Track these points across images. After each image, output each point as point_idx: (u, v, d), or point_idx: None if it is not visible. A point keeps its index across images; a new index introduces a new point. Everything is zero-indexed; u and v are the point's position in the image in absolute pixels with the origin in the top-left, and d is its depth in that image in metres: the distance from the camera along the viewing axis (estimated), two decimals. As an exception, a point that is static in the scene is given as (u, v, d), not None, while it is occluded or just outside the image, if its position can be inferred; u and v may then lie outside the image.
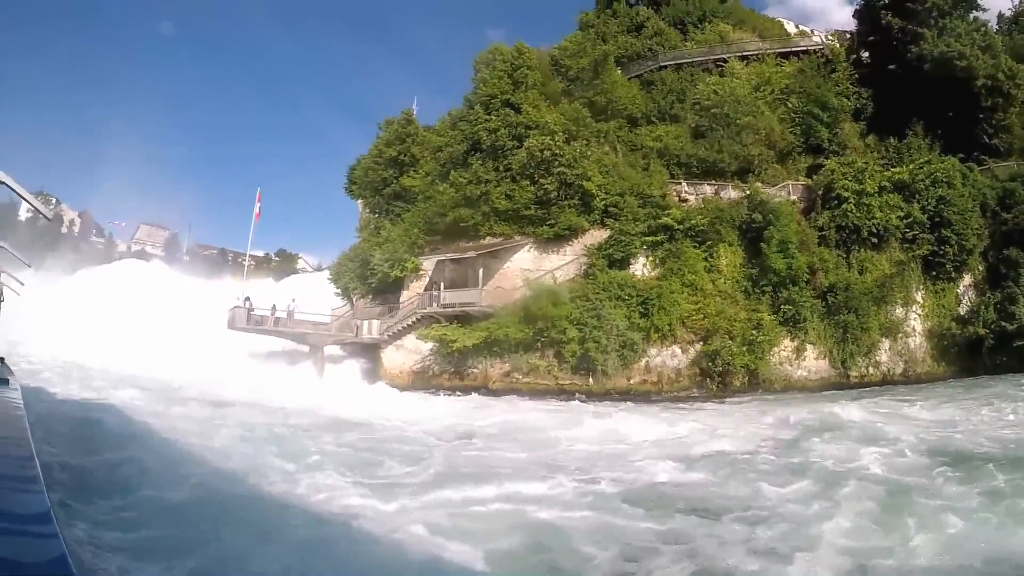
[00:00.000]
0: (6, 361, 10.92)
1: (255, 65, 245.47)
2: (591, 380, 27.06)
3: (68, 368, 24.23)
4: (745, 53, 39.22)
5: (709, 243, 29.81)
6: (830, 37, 43.93)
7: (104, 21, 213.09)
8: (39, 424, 11.42)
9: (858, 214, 31.04)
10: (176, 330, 32.02)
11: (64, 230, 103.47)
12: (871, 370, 30.90)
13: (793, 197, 32.93)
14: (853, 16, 42.39)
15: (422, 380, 28.08)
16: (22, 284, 8.77)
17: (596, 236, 29.46)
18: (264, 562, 6.94)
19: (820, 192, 32.46)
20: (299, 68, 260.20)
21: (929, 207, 31.66)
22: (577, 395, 26.18)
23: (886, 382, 30.36)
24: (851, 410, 18.17)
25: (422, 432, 16.34)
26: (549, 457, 13.44)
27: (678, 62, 37.88)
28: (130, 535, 7.31)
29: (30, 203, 2.98)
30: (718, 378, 27.74)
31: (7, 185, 2.70)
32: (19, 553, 2.33)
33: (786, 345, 29.57)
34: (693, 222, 29.51)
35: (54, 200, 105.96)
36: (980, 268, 32.67)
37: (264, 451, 12.21)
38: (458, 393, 26.44)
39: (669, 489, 10.74)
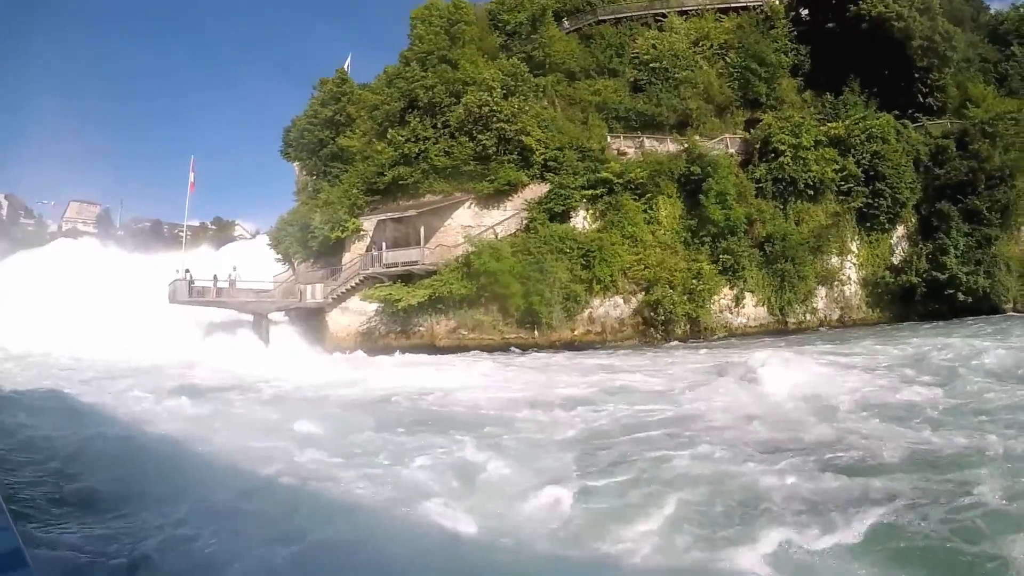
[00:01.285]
0: None
1: (182, 24, 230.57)
2: (536, 333, 27.30)
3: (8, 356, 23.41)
4: (684, 8, 39.22)
5: (648, 195, 30.14)
6: (770, -7, 44.35)
7: None
8: None
9: (795, 167, 31.80)
10: (117, 308, 30.81)
11: None
12: (808, 316, 32.11)
13: (731, 150, 33.49)
14: (794, -28, 42.72)
15: (369, 341, 27.81)
16: None
17: (536, 191, 29.44)
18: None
19: (757, 146, 33.09)
20: (229, 27, 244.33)
21: (864, 161, 32.69)
22: (512, 348, 26.35)
23: (822, 327, 31.72)
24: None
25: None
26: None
27: (617, 16, 37.72)
28: (83, 525, 6.86)
29: None
30: (661, 327, 28.32)
31: None
32: None
33: (726, 294, 30.39)
34: (632, 175, 29.73)
35: None
36: (913, 220, 34.03)
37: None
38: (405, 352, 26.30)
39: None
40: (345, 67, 34.55)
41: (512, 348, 26.36)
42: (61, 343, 26.89)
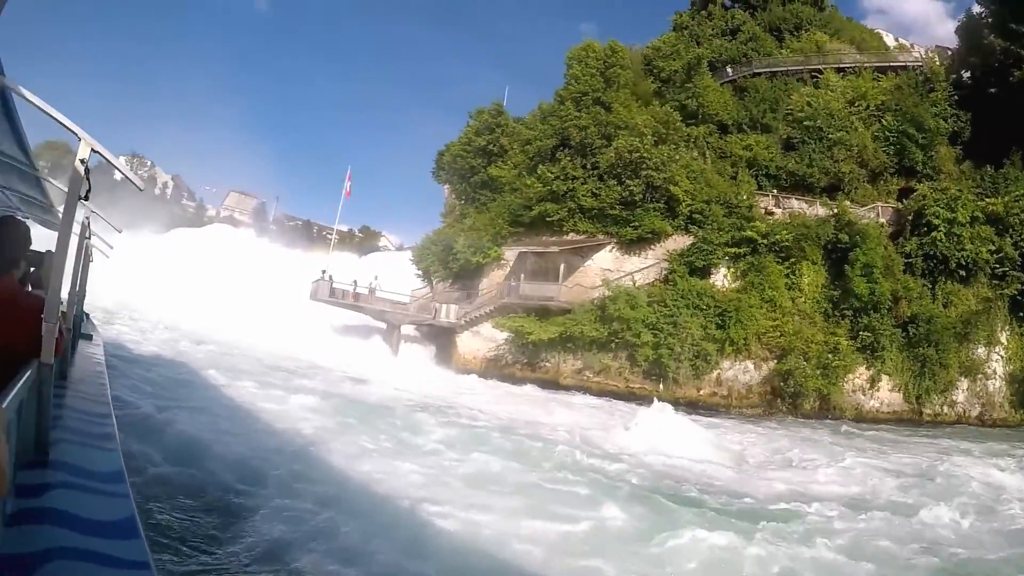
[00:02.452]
0: (91, 317, 11.34)
1: (350, 46, 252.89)
2: (661, 386, 27.13)
3: (159, 326, 25.11)
4: (842, 65, 38.03)
5: (792, 259, 29.37)
6: (930, 53, 42.27)
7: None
8: (122, 379, 12.11)
9: (947, 244, 29.99)
10: (261, 297, 33.17)
11: (157, 192, 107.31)
12: (946, 409, 29.90)
13: (882, 220, 32.04)
14: (955, 32, 40.65)
15: (495, 368, 28.62)
16: (111, 248, 9.05)
17: (679, 242, 29.38)
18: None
19: (910, 217, 31.48)
20: (392, 52, 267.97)
21: (1022, 243, 30.43)
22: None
23: (959, 423, 29.52)
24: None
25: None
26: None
27: (772, 70, 37.05)
28: (199, 497, 7.44)
29: (124, 173, 3.19)
30: (789, 399, 27.45)
31: (103, 156, 2.81)
32: (90, 510, 2.41)
33: (861, 373, 28.96)
34: (778, 237, 29.11)
35: (148, 163, 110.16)
36: (1072, 314, 31.26)
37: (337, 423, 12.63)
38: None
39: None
40: (502, 100, 35.81)
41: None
42: (208, 322, 28.11)
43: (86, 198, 3.02)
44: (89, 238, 6.98)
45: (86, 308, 10.92)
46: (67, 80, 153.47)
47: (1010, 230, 30.68)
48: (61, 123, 2.64)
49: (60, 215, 3.39)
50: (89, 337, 8.80)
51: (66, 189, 3.14)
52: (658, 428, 16.22)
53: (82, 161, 2.83)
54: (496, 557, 6.94)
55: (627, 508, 9.12)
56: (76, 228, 5.61)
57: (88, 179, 2.94)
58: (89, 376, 5.69)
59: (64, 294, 4.88)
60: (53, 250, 3.22)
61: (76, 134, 2.73)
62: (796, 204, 31.45)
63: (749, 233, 29.11)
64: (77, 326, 7.43)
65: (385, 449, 11.04)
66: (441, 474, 9.88)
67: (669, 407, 18.80)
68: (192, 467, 8.29)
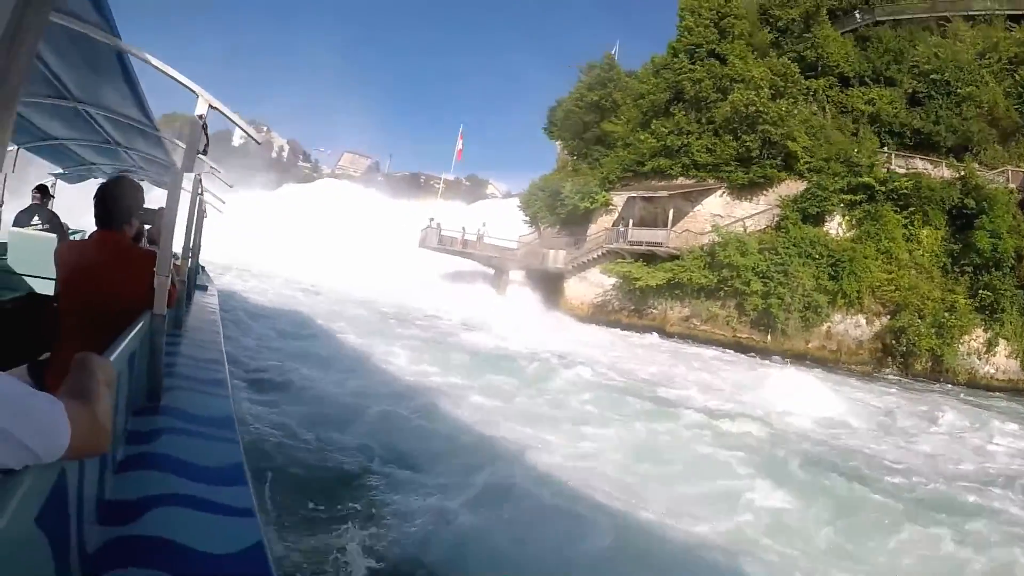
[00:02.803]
0: (206, 270, 11.59)
1: (459, 9, 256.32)
2: (769, 337, 27.44)
3: (275, 279, 25.88)
4: (971, 12, 35.55)
5: (912, 209, 28.41)
6: (1073, 1, 38.76)
7: None
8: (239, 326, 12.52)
9: (1081, 214, 28.33)
10: (371, 246, 34.83)
11: (273, 155, 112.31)
12: (1065, 383, 28.74)
13: (1011, 185, 30.23)
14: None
15: (602, 314, 29.65)
16: (224, 203, 9.45)
17: (792, 187, 29.01)
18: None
19: (1042, 183, 29.77)
20: (502, 9, 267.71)
21: None
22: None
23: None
24: None
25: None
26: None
27: (896, 18, 35.15)
28: (305, 439, 7.11)
29: (242, 128, 3.31)
30: (900, 358, 26.98)
31: (221, 112, 2.92)
32: (198, 456, 2.41)
33: (977, 335, 27.91)
34: (896, 184, 28.17)
35: (265, 128, 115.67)
36: None
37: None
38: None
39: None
40: (614, 53, 35.90)
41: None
42: (320, 273, 28.82)
43: (204, 152, 3.09)
44: (202, 194, 7.09)
45: (207, 261, 11.57)
46: (185, 49, 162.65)
47: None
48: (180, 82, 2.73)
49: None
50: (204, 288, 9.09)
51: (184, 145, 3.19)
52: (794, 388, 15.20)
53: (200, 116, 2.90)
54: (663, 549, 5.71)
55: (798, 491, 7.58)
56: (188, 185, 5.94)
57: (207, 134, 3.02)
58: (203, 325, 5.91)
59: (178, 248, 4.89)
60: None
61: (194, 91, 2.82)
62: (920, 164, 30.19)
63: (866, 179, 28.32)
64: (192, 279, 7.56)
65: (534, 414, 9.97)
66: (595, 446, 8.72)
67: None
68: (317, 424, 7.71)
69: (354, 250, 34.75)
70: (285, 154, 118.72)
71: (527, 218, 35.42)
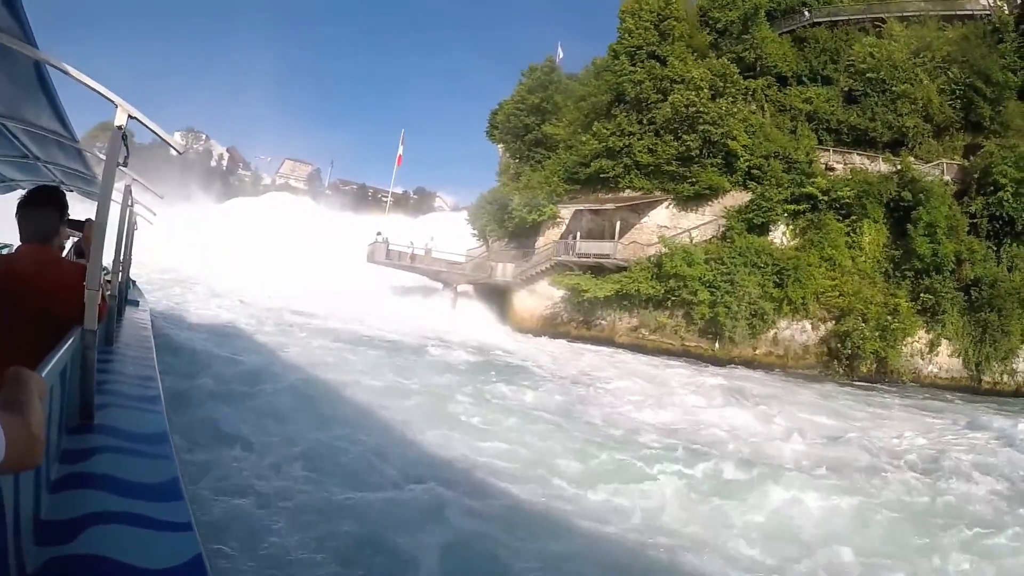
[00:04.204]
0: (137, 284, 11.20)
1: (400, 11, 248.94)
2: (717, 345, 27.13)
3: (222, 294, 24.60)
4: (905, 14, 36.12)
5: (853, 217, 28.74)
6: (999, 1, 39.90)
7: None
8: (170, 343, 11.70)
9: (1015, 204, 28.88)
10: (319, 261, 33.58)
11: (213, 164, 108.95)
12: (1005, 378, 29.14)
13: (947, 177, 30.93)
14: (1027, -23, 38.17)
15: (550, 326, 28.87)
16: (155, 214, 9.03)
17: (737, 198, 28.91)
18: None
19: (976, 175, 30.32)
20: (443, 12, 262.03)
21: (1094, 205, 29.25)
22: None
23: (1019, 394, 28.78)
24: None
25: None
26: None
27: (833, 19, 35.39)
28: (246, 462, 6.97)
29: (162, 137, 3.11)
30: (845, 361, 27.14)
31: (141, 122, 2.78)
32: (133, 473, 2.39)
33: (920, 336, 28.29)
34: (839, 193, 28.41)
35: (203, 136, 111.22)
36: None
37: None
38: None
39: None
40: (555, 56, 35.02)
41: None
42: (269, 287, 28.02)
43: (125, 164, 3.02)
44: (132, 206, 6.86)
45: (140, 275, 11.04)
46: (117, 58, 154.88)
47: (1081, 191, 29.50)
48: (97, 91, 2.64)
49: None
50: (136, 303, 8.86)
51: (104, 157, 3.12)
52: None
53: (119, 127, 2.82)
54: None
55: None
56: (118, 197, 5.68)
57: (127, 145, 2.93)
58: (135, 341, 5.73)
59: (108, 262, 4.81)
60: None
61: (113, 101, 2.72)
62: (858, 159, 30.56)
63: (809, 190, 28.50)
64: (123, 293, 7.43)
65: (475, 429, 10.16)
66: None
67: None
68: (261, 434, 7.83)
69: (304, 264, 33.32)
70: (225, 162, 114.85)
71: (475, 231, 34.40)
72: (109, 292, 4.52)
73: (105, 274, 3.65)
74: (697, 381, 19.36)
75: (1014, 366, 29.09)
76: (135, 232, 8.65)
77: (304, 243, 36.83)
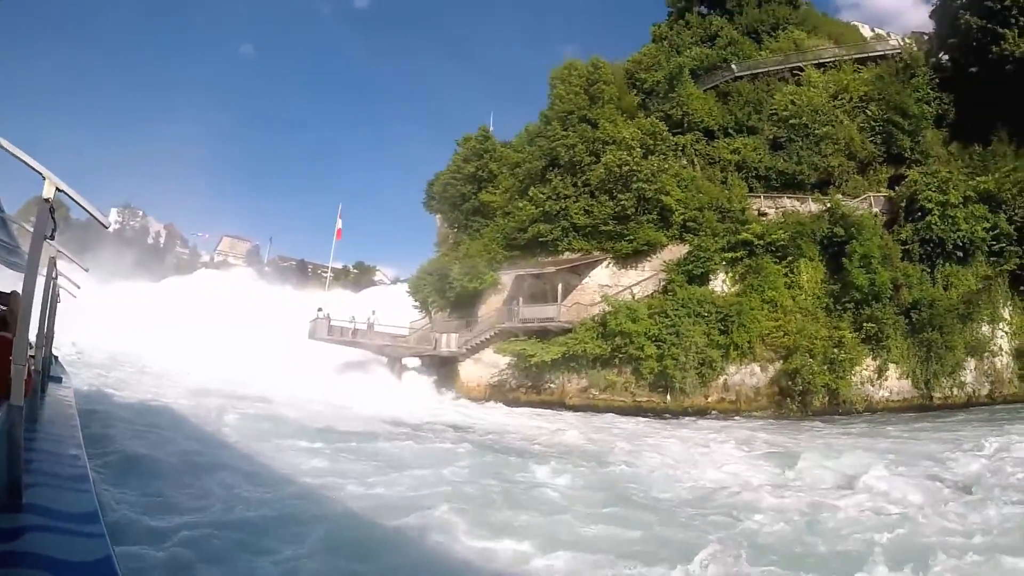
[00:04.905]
0: (59, 359, 11.13)
1: (332, 83, 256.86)
2: (668, 397, 27.16)
3: (148, 372, 24.72)
4: (821, 60, 38.22)
5: (790, 258, 29.46)
6: (907, 40, 42.35)
7: (189, 48, 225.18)
8: (99, 422, 11.50)
9: (943, 226, 30.11)
10: (259, 338, 33.28)
11: (150, 241, 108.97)
12: (955, 391, 29.89)
13: (875, 209, 32.13)
14: (930, 16, 40.83)
15: (499, 394, 28.70)
16: (79, 287, 9.01)
17: (675, 252, 29.51)
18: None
19: (903, 204, 31.64)
20: (379, 85, 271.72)
21: (1017, 218, 30.47)
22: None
23: (970, 404, 29.39)
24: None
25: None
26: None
27: (753, 72, 37.27)
28: (181, 540, 6.80)
29: (86, 210, 3.07)
30: (798, 398, 27.37)
31: (68, 195, 2.77)
32: (66, 551, 2.38)
33: (868, 364, 28.85)
34: (773, 237, 29.23)
35: (140, 213, 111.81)
36: (1072, 284, 31.31)
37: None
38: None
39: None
40: (488, 124, 36.16)
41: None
42: (202, 364, 27.84)
43: (52, 237, 3.02)
44: (56, 278, 6.79)
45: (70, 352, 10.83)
46: (53, 132, 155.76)
47: (1003, 206, 30.75)
48: (25, 162, 2.66)
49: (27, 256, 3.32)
50: (59, 380, 8.70)
51: (32, 229, 3.11)
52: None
53: (46, 200, 2.81)
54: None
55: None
56: (43, 269, 5.45)
57: (53, 218, 2.94)
58: (60, 418, 5.64)
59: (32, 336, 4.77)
60: (19, 291, 3.19)
61: (40, 173, 2.73)
62: (788, 203, 31.61)
63: (745, 236, 29.24)
64: (46, 368, 7.31)
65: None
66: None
67: None
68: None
69: (244, 343, 32.85)
70: (163, 240, 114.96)
71: (417, 303, 34.54)
72: (33, 367, 4.46)
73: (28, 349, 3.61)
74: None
75: (962, 378, 29.73)
76: (58, 306, 8.44)
77: (244, 321, 36.49)
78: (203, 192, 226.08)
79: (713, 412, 26.97)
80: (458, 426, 20.08)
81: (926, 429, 21.48)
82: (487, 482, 11.10)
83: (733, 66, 37.25)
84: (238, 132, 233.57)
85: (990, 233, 30.34)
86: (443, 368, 30.98)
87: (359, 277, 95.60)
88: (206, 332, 35.31)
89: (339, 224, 33.38)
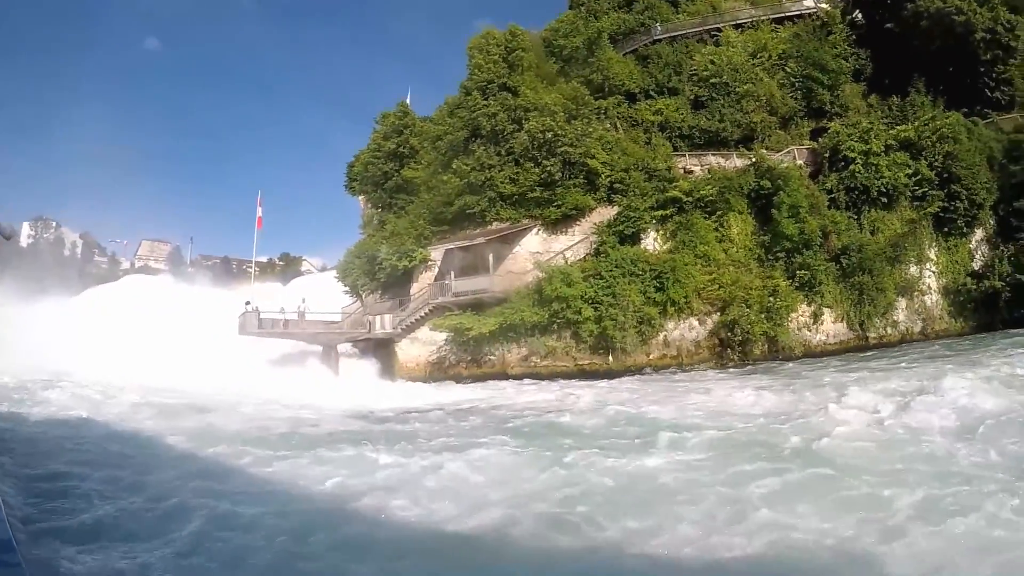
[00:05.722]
0: None
1: (245, 73, 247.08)
2: (610, 359, 26.75)
3: (77, 386, 22.92)
4: (739, 21, 38.47)
5: (719, 213, 29.49)
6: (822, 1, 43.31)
7: (91, 46, 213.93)
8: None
9: (866, 174, 30.87)
10: (187, 341, 31.56)
11: (67, 252, 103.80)
12: (889, 330, 30.72)
13: (799, 161, 32.59)
14: (844, -24, 41.72)
15: (439, 371, 27.83)
16: None
17: (604, 214, 29.12)
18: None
19: (826, 155, 32.24)
20: (290, 71, 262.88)
21: (937, 163, 31.54)
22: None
23: (904, 341, 30.12)
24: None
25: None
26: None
27: (672, 35, 37.16)
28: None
29: None
30: (738, 348, 27.45)
31: None
32: None
33: (803, 310, 29.27)
34: (702, 193, 29.17)
35: (54, 224, 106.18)
36: (991, 222, 32.69)
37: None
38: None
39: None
40: (406, 101, 35.13)
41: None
42: (131, 374, 26.28)
43: None
44: None
45: None
46: None
47: (923, 152, 31.80)
48: None
49: None
50: None
51: None
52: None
53: None
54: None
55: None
56: None
57: None
58: None
59: None
60: None
61: None
62: (713, 159, 31.70)
63: (673, 194, 29.10)
64: None
65: None
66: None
67: None
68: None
69: (171, 346, 30.98)
70: (79, 250, 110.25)
71: (347, 288, 33.28)
72: None
73: None
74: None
75: (895, 318, 30.50)
76: None
77: (171, 324, 34.67)
78: (117, 196, 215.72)
79: (647, 369, 26.63)
80: (462, 409, 19.12)
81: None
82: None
83: (657, 27, 37.08)
84: (148, 131, 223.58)
85: (912, 179, 31.30)
86: (379, 351, 29.82)
87: (286, 268, 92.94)
88: (135, 340, 33.22)
89: (259, 212, 31.89)
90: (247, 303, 29.05)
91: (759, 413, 14.62)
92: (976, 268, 32.03)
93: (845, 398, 14.74)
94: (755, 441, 11.44)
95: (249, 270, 35.88)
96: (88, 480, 9.48)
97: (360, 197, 34.81)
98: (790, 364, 26.13)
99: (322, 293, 34.58)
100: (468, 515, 8.19)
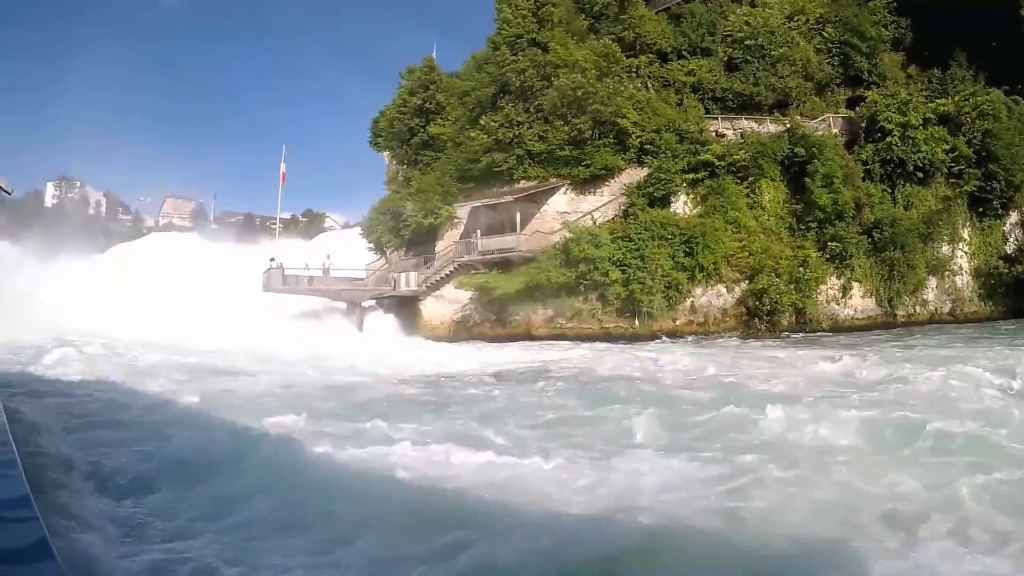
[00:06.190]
0: None
1: (267, 28, 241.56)
2: (636, 323, 26.36)
3: (102, 343, 22.06)
4: (777, -19, 37.16)
5: (751, 179, 28.76)
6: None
7: (108, 2, 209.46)
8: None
9: (903, 147, 30.16)
10: (213, 297, 31.28)
11: (91, 211, 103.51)
12: (918, 309, 30.33)
13: (834, 130, 31.77)
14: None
15: (463, 330, 27.58)
16: None
17: (633, 175, 28.45)
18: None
19: (863, 125, 31.50)
20: (313, 26, 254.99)
21: (975, 141, 30.83)
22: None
23: (932, 321, 29.63)
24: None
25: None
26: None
27: (706, -6, 36.00)
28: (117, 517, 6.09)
29: None
30: (766, 317, 26.97)
31: None
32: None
33: (833, 283, 28.86)
34: (734, 157, 28.45)
35: (77, 184, 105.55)
36: (1028, 205, 31.76)
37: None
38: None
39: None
40: (432, 55, 34.23)
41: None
42: (157, 331, 25.83)
43: None
44: None
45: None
46: None
47: (962, 128, 31.09)
48: None
49: None
50: None
51: None
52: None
53: None
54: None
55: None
56: None
57: None
58: None
59: None
60: None
61: None
62: (746, 124, 30.86)
63: (705, 157, 28.40)
64: None
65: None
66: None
67: None
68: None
69: (197, 303, 30.79)
70: (103, 209, 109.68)
71: (371, 245, 32.83)
72: None
73: None
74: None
75: (924, 296, 30.09)
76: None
77: (196, 281, 34.41)
78: (140, 154, 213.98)
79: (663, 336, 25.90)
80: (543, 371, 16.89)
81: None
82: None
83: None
84: (168, 88, 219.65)
85: (949, 155, 30.59)
86: (403, 308, 29.56)
87: (309, 225, 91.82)
88: (164, 297, 32.92)
89: (283, 168, 31.41)
90: (272, 259, 28.78)
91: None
92: (1009, 252, 31.47)
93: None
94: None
95: (272, 226, 35.49)
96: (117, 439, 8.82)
97: (385, 153, 34.18)
98: (824, 336, 25.61)
99: (346, 250, 34.25)
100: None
